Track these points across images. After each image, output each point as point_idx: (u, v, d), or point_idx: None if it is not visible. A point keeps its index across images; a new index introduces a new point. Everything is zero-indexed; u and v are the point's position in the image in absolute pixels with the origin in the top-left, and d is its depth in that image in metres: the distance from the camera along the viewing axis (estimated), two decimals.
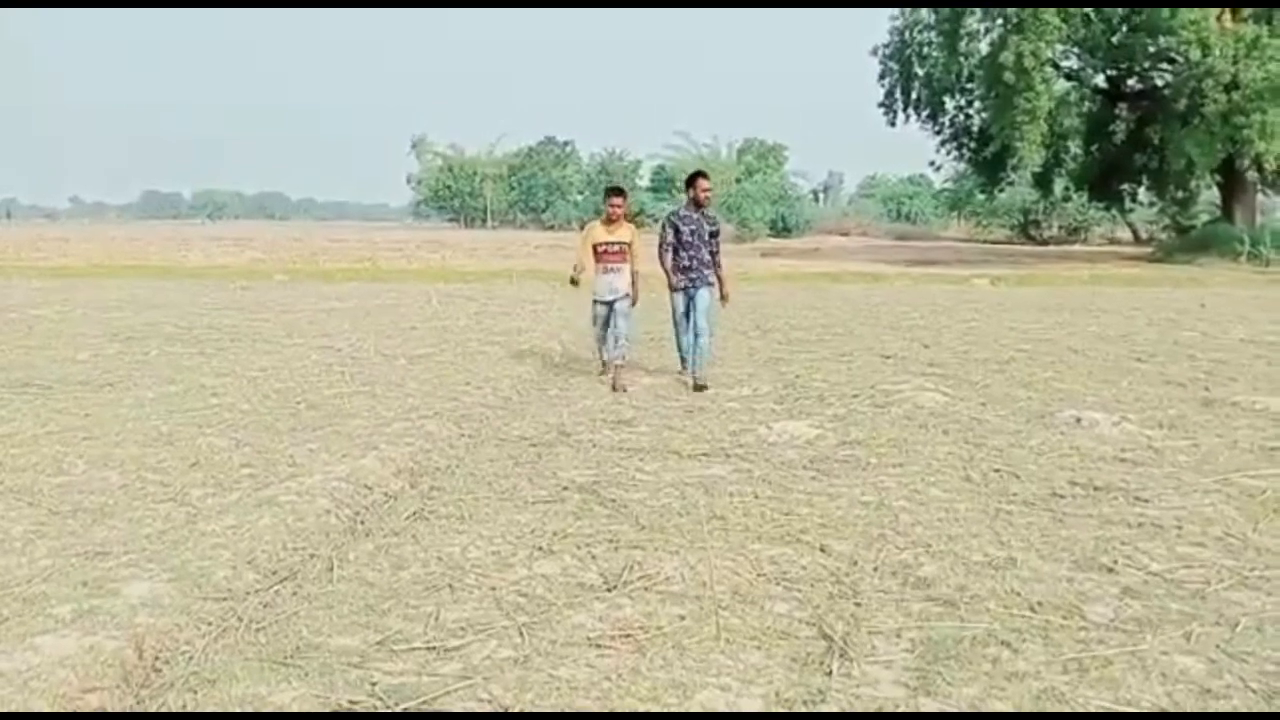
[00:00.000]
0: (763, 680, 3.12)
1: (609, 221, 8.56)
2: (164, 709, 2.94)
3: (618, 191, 8.79)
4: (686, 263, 8.44)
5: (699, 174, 8.78)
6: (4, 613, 3.49)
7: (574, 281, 8.70)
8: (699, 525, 4.62)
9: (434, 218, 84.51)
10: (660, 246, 8.62)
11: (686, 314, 8.50)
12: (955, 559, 4.18)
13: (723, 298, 8.77)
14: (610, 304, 8.52)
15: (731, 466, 5.74)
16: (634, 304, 8.62)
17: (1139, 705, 2.95)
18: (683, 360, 8.68)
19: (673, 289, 8.58)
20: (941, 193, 62.13)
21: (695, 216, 8.54)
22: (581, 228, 9.46)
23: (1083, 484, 5.31)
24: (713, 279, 8.58)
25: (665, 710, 2.96)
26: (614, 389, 8.21)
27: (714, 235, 8.62)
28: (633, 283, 8.58)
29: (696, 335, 8.43)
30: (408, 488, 5.30)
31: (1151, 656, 3.26)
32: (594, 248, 8.55)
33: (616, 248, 8.51)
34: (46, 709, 2.85)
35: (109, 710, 2.95)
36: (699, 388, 8.19)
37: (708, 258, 8.55)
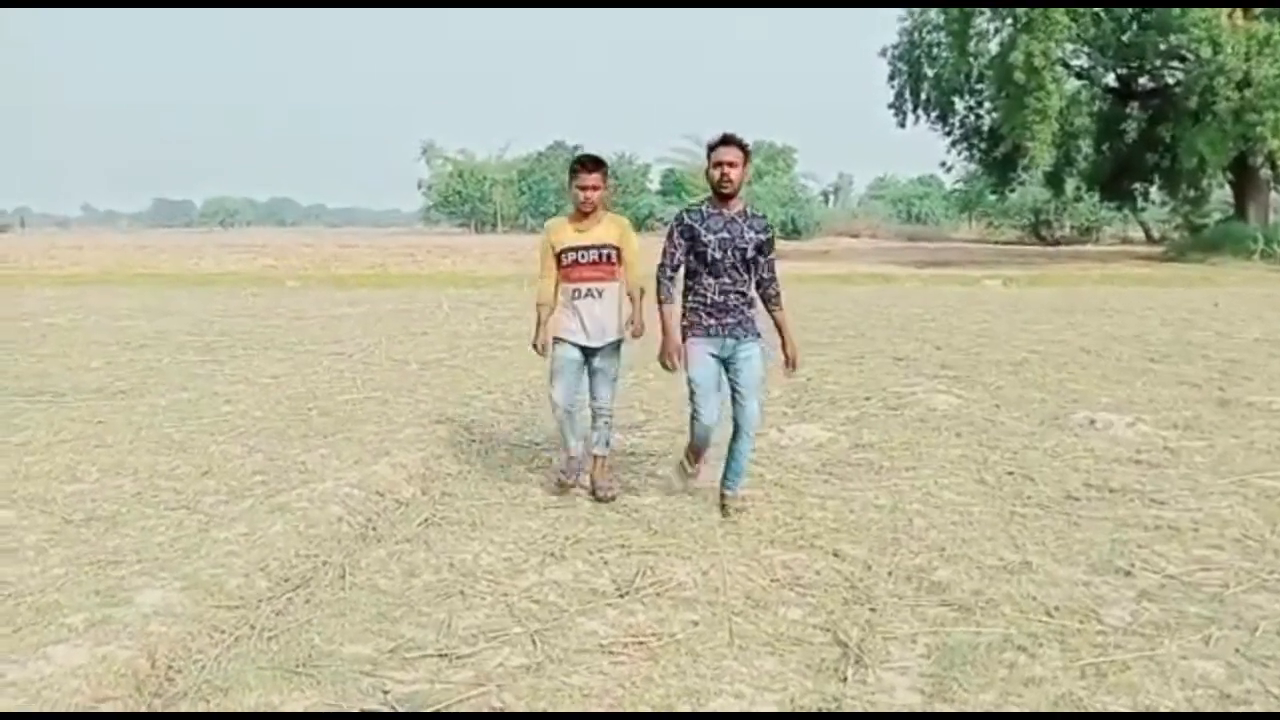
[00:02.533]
0: (777, 687, 3.11)
1: (581, 215, 5.12)
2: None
3: (590, 164, 5.10)
4: (717, 298, 4.78)
5: (723, 140, 4.78)
6: (17, 622, 3.50)
7: (537, 347, 5.27)
8: (711, 530, 4.60)
9: (444, 223, 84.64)
10: (660, 268, 4.88)
11: (718, 385, 4.86)
12: (970, 563, 4.15)
13: (787, 361, 4.96)
14: (588, 352, 5.16)
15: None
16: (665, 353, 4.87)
17: (1158, 710, 2.92)
18: (687, 464, 5.14)
19: (666, 352, 4.83)
20: (952, 193, 61.92)
21: (725, 217, 4.81)
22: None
23: (1098, 486, 5.28)
24: (759, 328, 4.89)
25: (678, 712, 2.94)
26: (596, 495, 5.18)
27: (763, 250, 4.88)
28: (636, 308, 5.17)
29: (736, 429, 4.87)
30: (419, 494, 5.30)
31: (1170, 661, 3.23)
32: (558, 259, 5.15)
33: (595, 254, 5.08)
34: None
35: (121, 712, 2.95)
36: (725, 508, 4.94)
37: (751, 291, 4.90)
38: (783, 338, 4.96)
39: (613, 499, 5.15)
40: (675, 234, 4.88)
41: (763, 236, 4.89)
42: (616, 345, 5.20)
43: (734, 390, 4.86)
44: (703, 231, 4.81)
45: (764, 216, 5.00)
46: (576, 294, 5.13)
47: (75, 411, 7.28)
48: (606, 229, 5.16)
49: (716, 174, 4.80)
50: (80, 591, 3.78)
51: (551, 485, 5.38)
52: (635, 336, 5.23)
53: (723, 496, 4.98)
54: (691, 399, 4.86)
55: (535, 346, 5.29)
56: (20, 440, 6.35)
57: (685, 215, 4.91)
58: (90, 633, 3.38)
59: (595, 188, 5.06)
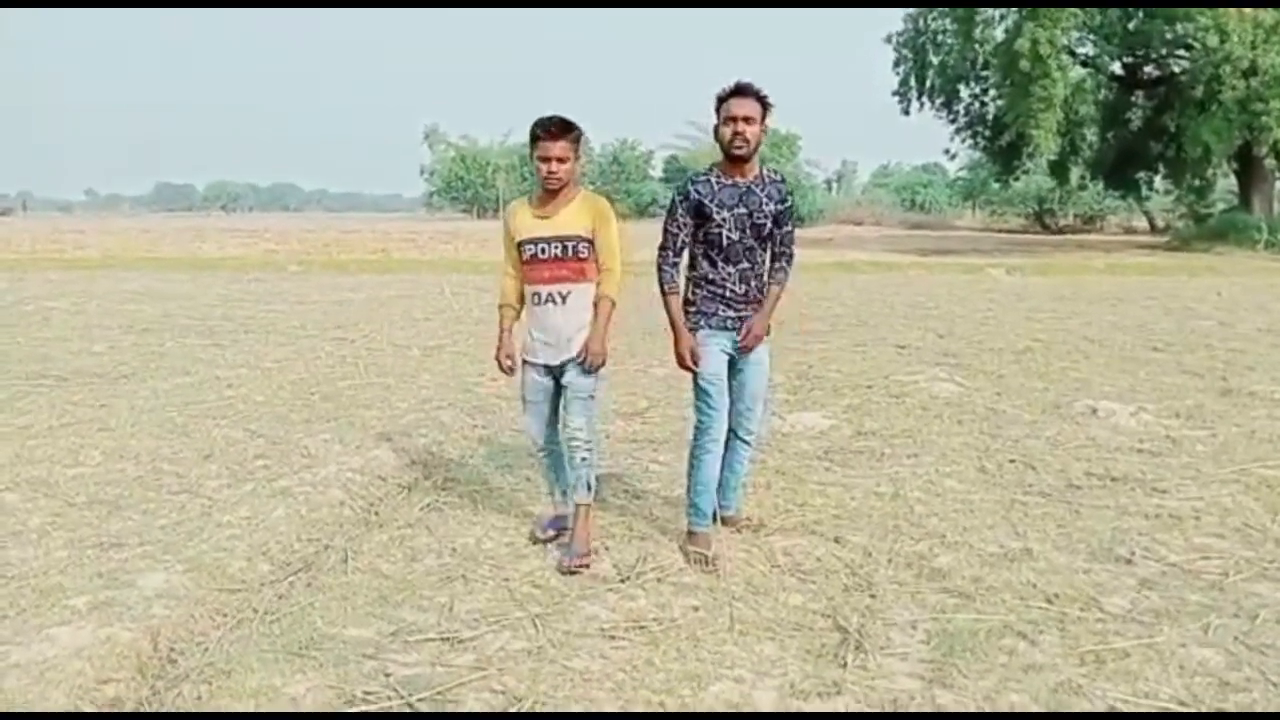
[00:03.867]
0: (777, 672, 3.12)
1: (546, 196, 4.01)
2: (179, 700, 2.95)
3: (555, 128, 3.92)
4: (737, 288, 4.07)
5: (737, 90, 3.95)
6: (21, 604, 3.51)
7: (500, 363, 4.25)
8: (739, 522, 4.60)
9: (447, 209, 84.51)
10: (661, 252, 4.11)
11: (729, 386, 4.16)
12: (971, 550, 4.16)
13: (743, 333, 4.10)
14: (554, 371, 4.13)
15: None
16: (591, 369, 4.04)
17: (1157, 698, 2.93)
18: (696, 509, 4.21)
19: (680, 353, 4.10)
20: (956, 181, 61.78)
21: (739, 187, 4.02)
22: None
23: (1099, 475, 5.28)
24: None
25: (681, 705, 2.95)
26: (562, 567, 3.97)
27: (781, 220, 4.12)
28: (599, 324, 4.02)
29: (733, 437, 4.29)
30: (421, 479, 5.31)
31: (1169, 649, 3.24)
32: (518, 249, 4.08)
33: (557, 248, 3.99)
34: (63, 700, 2.87)
35: (126, 702, 2.96)
36: (726, 522, 4.37)
37: (765, 276, 4.18)
38: (759, 310, 4.13)
39: (588, 567, 3.96)
40: (679, 211, 4.04)
41: (781, 206, 4.09)
42: (582, 359, 4.05)
43: (736, 397, 4.19)
44: (714, 208, 3.98)
45: (782, 179, 4.17)
46: (536, 299, 4.06)
47: (78, 395, 7.29)
48: (575, 214, 3.99)
49: (728, 132, 3.92)
50: (83, 574, 3.79)
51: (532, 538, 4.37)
52: (590, 369, 4.02)
53: (720, 518, 4.27)
54: (699, 402, 4.13)
55: (499, 362, 4.24)
56: (23, 423, 6.36)
57: (691, 187, 4.04)
58: (93, 615, 3.39)
59: (562, 159, 3.90)
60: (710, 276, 4.08)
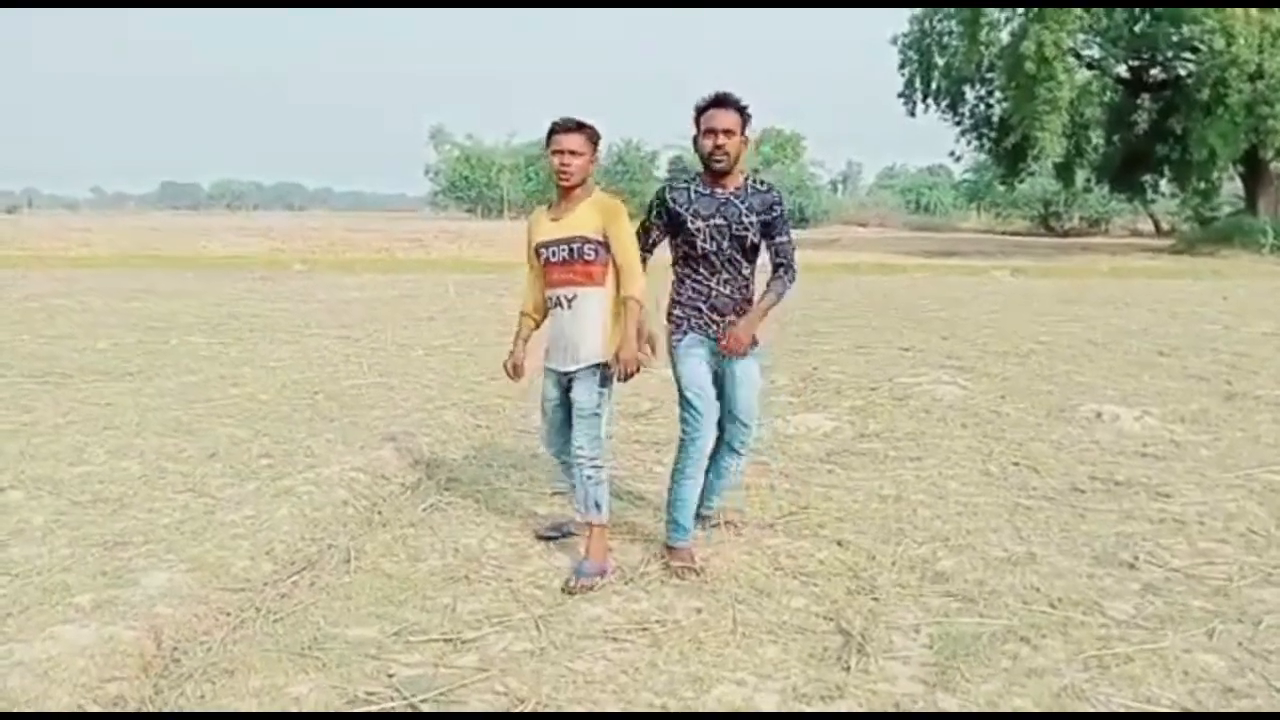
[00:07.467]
0: (780, 675, 3.12)
1: (561, 196, 3.99)
2: (182, 699, 2.95)
3: (571, 127, 3.90)
4: (717, 300, 3.98)
5: (715, 101, 3.87)
6: (24, 602, 3.51)
7: (509, 371, 4.22)
8: (715, 517, 4.60)
9: (451, 208, 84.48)
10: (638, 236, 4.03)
11: (715, 398, 4.04)
12: (974, 554, 4.16)
13: (726, 339, 3.97)
14: (568, 379, 4.02)
15: (748, 459, 5.70)
16: (624, 377, 3.87)
17: (1160, 703, 2.93)
18: (676, 525, 4.06)
19: (672, 337, 4.07)
20: (961, 183, 61.73)
21: (717, 198, 3.93)
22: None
23: (1103, 479, 5.27)
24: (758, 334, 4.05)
25: (684, 707, 2.95)
26: (567, 586, 3.78)
27: (772, 230, 3.99)
28: (628, 328, 3.85)
29: (727, 446, 4.19)
30: (425, 479, 5.31)
31: (1173, 654, 3.23)
32: (536, 252, 4.04)
33: (565, 251, 3.92)
34: (66, 699, 2.87)
35: (129, 701, 2.97)
36: (703, 519, 4.32)
37: (750, 287, 4.06)
38: (750, 308, 4.03)
39: (602, 578, 3.83)
40: (655, 211, 4.03)
41: (768, 216, 3.95)
42: (595, 371, 3.91)
43: (728, 411, 4.08)
44: (689, 217, 3.91)
45: (770, 189, 3.99)
46: (550, 302, 4.01)
47: (82, 393, 7.30)
48: (584, 216, 3.88)
49: (708, 144, 3.86)
50: (87, 572, 3.79)
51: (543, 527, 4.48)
52: (622, 375, 3.85)
53: (699, 517, 4.20)
54: (684, 414, 4.02)
55: (506, 369, 4.21)
56: (28, 421, 6.37)
57: (669, 193, 3.98)
58: (97, 613, 3.39)
59: (575, 152, 3.85)
60: (692, 284, 4.01)
